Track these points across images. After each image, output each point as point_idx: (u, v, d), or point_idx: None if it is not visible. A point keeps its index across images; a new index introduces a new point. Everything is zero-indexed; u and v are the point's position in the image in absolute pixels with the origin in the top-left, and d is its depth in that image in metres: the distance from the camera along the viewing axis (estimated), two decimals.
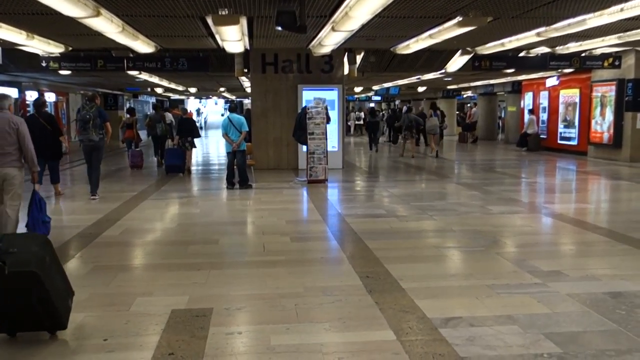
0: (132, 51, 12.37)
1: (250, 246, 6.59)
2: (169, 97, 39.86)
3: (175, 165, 13.44)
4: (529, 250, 6.11)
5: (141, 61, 13.61)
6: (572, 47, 12.99)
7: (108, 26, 8.67)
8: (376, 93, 34.22)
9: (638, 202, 9.95)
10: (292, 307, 4.28)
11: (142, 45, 11.04)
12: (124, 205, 9.11)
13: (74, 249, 6.25)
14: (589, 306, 4.26)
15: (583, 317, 4.06)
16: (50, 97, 20.63)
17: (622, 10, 7.94)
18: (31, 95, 19.05)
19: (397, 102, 42.12)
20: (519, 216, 8.17)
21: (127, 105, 27.86)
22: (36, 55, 13.03)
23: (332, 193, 10.78)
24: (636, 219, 8.04)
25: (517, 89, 24.20)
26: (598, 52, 14.41)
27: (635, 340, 3.64)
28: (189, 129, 13.87)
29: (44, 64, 13.58)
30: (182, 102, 44.95)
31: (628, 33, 10.86)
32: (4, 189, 5.81)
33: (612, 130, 16.15)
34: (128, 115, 17.31)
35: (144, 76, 19.29)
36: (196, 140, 14.53)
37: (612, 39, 11.68)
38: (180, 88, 28.00)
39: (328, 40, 10.58)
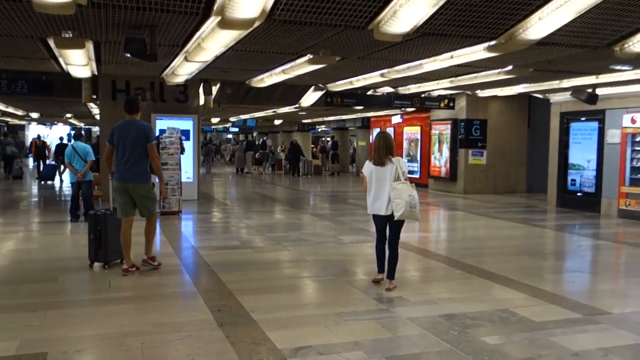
0: None
1: (94, 283, 6.19)
2: (6, 122, 36.42)
3: (48, 175, 19.63)
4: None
5: None
6: (413, 88, 14.11)
7: None
8: (233, 124, 34.31)
9: (472, 231, 10.92)
10: (137, 346, 4.08)
11: None
12: None
13: None
14: (426, 329, 4.57)
15: (421, 340, 4.35)
16: None
17: (452, 57, 8.81)
18: None
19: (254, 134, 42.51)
20: (368, 245, 8.57)
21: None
22: None
23: (186, 225, 10.52)
24: (469, 246, 8.83)
25: (367, 124, 25.63)
26: (435, 93, 15.81)
27: (465, 358, 3.98)
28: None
29: None
30: (22, 127, 41.39)
31: (458, 78, 12.06)
32: None
33: (448, 165, 17.68)
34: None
35: None
36: None
37: (445, 83, 12.89)
38: (19, 112, 25.78)
39: (182, 70, 10.44)
